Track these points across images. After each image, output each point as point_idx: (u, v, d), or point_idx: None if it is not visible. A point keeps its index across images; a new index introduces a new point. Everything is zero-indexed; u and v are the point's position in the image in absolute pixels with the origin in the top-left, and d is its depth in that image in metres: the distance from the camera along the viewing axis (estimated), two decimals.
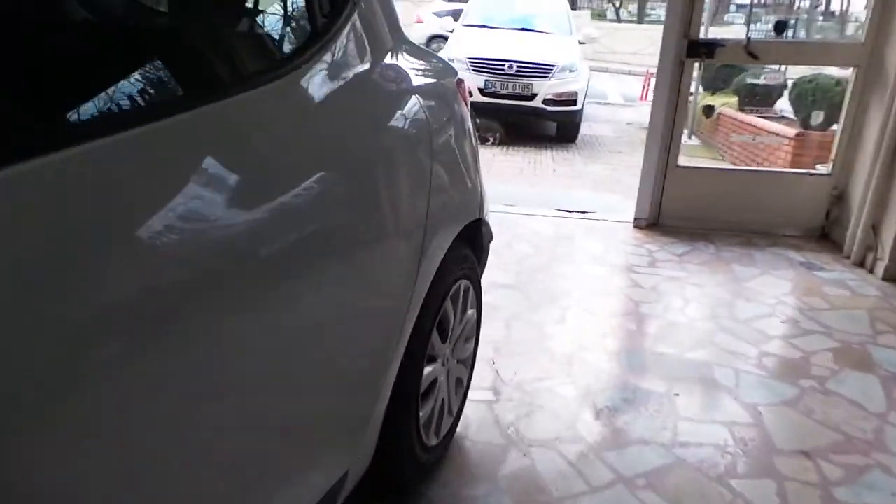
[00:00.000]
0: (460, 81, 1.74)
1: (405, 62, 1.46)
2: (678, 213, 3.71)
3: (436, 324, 1.51)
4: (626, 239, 3.56)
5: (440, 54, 7.46)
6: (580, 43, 7.94)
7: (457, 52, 7.22)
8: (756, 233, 3.66)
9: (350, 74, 1.18)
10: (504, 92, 7.00)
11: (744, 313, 2.72)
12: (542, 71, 7.00)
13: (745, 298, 2.87)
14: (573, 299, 2.77)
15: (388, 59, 1.36)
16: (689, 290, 2.94)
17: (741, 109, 7.05)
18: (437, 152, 1.40)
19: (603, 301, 2.78)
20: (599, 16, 23.49)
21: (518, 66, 6.97)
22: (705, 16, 7.53)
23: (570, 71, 7.16)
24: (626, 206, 4.03)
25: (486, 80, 6.97)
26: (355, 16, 1.22)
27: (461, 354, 1.78)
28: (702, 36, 3.56)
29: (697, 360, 2.33)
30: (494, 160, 6.16)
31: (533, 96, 6.98)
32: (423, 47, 1.85)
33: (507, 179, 5.43)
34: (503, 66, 6.97)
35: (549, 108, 7.01)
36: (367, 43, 1.26)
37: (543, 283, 2.91)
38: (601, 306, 2.73)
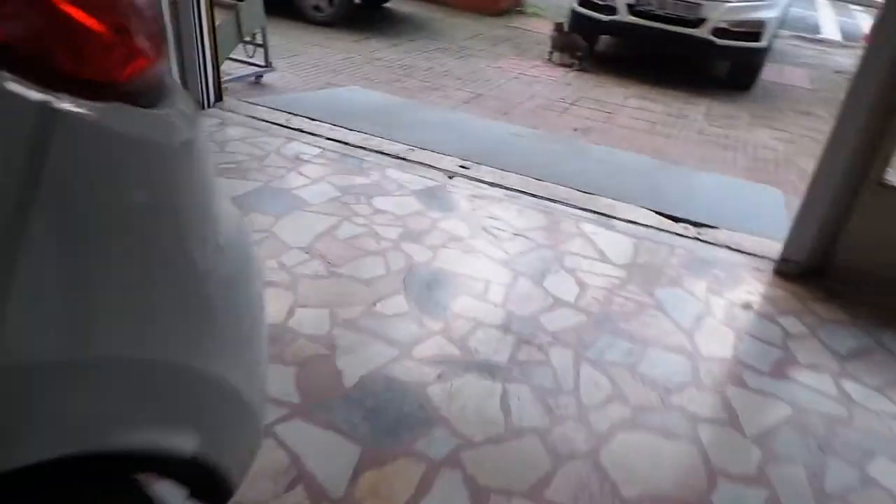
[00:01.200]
0: None
1: None
2: (865, 264, 2.11)
3: None
4: (753, 297, 2.07)
5: None
6: None
7: None
8: None
9: None
10: (660, 13, 5.21)
11: None
12: None
13: None
14: (601, 428, 1.47)
15: None
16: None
17: None
18: None
19: (654, 447, 1.45)
20: None
21: None
22: None
23: None
24: (782, 219, 2.48)
25: None
26: None
27: None
28: None
29: None
30: (623, 107, 4.57)
31: (700, 22, 5.13)
32: None
33: (623, 139, 3.88)
34: None
35: (718, 40, 5.14)
36: None
37: (561, 379, 1.62)
38: (643, 460, 1.40)
